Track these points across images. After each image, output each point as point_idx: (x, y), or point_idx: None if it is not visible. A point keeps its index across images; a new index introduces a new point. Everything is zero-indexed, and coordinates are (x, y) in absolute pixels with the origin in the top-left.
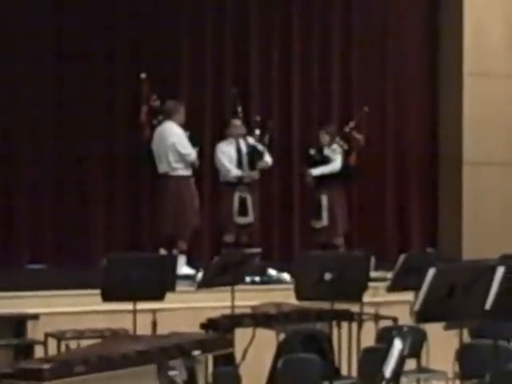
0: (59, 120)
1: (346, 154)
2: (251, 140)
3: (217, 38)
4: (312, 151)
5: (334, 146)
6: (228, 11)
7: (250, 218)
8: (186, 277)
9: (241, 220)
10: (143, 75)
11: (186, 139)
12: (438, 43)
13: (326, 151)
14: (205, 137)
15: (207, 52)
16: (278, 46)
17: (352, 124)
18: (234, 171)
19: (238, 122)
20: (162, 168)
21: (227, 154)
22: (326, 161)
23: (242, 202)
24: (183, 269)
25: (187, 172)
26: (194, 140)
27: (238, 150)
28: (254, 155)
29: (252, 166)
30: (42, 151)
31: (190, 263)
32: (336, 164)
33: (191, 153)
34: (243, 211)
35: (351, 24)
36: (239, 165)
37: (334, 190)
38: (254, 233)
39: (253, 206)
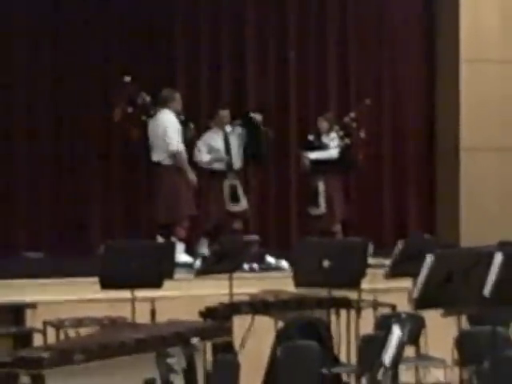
0: (57, 112)
1: (348, 148)
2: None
3: (213, 26)
4: (311, 137)
5: (333, 134)
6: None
7: (242, 205)
8: (185, 264)
9: (233, 207)
10: (127, 78)
11: (175, 129)
12: (434, 30)
13: (325, 139)
14: (200, 129)
15: (202, 39)
16: (274, 34)
17: (352, 115)
18: (204, 156)
19: (226, 113)
20: (156, 156)
21: (212, 145)
22: (323, 148)
23: (233, 189)
24: (181, 256)
25: None
26: (186, 123)
27: (226, 139)
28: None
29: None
30: (41, 140)
31: (188, 251)
32: (333, 152)
33: (172, 143)
34: (235, 198)
35: (347, 13)
36: (227, 153)
37: (331, 177)
38: (248, 219)
39: (244, 192)
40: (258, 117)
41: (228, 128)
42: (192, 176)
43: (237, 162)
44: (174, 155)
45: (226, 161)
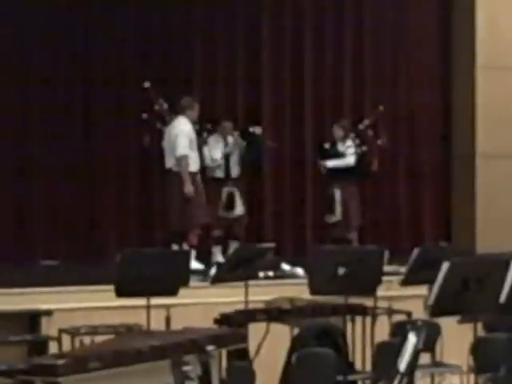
0: (72, 119)
1: (364, 156)
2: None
3: (228, 36)
4: (327, 145)
5: (349, 142)
6: (240, 9)
7: (237, 212)
8: (196, 272)
9: (227, 214)
10: (147, 84)
11: (187, 136)
12: (450, 37)
13: (340, 147)
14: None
15: (219, 49)
16: (290, 44)
17: (367, 122)
18: (215, 154)
19: (228, 125)
20: (168, 163)
21: (214, 148)
22: (339, 156)
23: (230, 197)
24: (192, 264)
25: (193, 168)
26: (201, 133)
27: (226, 146)
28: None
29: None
30: (55, 148)
31: (199, 258)
32: (350, 159)
33: (178, 148)
34: (230, 206)
35: (363, 18)
36: (226, 160)
37: (347, 185)
38: (242, 225)
39: (241, 200)
40: (257, 130)
41: (230, 139)
42: (188, 186)
43: (234, 170)
44: (180, 160)
45: (231, 152)
